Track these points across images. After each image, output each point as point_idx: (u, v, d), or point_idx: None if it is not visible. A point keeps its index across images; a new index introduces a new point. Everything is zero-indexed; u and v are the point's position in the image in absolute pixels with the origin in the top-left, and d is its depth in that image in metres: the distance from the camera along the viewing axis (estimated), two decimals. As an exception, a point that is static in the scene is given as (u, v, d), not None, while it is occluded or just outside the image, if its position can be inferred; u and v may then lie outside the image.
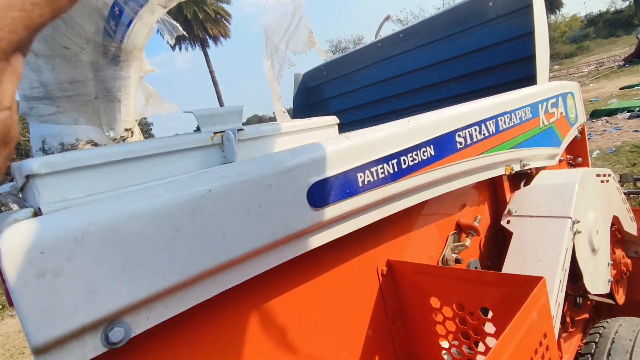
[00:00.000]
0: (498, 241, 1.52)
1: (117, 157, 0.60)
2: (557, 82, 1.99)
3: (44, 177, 0.55)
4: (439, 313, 0.97)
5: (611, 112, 10.32)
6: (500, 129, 1.34)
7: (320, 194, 0.73)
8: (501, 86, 2.36)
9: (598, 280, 1.46)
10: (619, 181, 1.96)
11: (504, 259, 1.48)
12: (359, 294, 0.99)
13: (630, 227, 1.88)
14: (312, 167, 0.72)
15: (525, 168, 1.53)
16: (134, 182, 0.63)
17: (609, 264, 1.58)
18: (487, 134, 1.26)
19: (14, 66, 0.28)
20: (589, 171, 1.56)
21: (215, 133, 0.72)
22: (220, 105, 25.40)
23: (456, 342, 0.99)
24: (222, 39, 23.67)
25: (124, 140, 1.45)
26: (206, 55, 24.64)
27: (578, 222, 1.30)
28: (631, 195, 3.44)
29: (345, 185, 0.78)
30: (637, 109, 9.84)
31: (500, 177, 1.47)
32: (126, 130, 1.47)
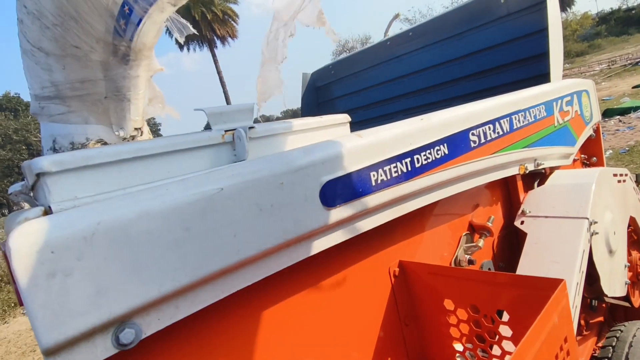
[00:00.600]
0: (511, 242, 1.49)
1: (126, 155, 0.59)
2: (571, 79, 1.95)
3: (54, 176, 0.54)
4: (453, 315, 0.94)
5: (624, 111, 10.15)
6: (515, 127, 1.32)
7: (333, 193, 0.71)
8: (513, 84, 2.32)
9: (615, 282, 1.43)
10: (635, 181, 1.91)
11: (517, 260, 1.45)
12: (370, 294, 0.97)
13: (647, 228, 1.83)
14: (324, 165, 0.71)
15: (540, 167, 1.50)
16: (144, 180, 0.62)
17: (625, 266, 1.54)
18: (501, 133, 1.24)
19: None
20: (605, 171, 1.52)
21: (226, 131, 0.71)
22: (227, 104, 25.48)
23: (470, 345, 0.97)
24: (229, 39, 23.76)
25: (133, 139, 1.45)
26: (214, 55, 24.77)
27: (595, 222, 1.27)
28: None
29: (359, 184, 0.77)
30: (651, 107, 9.66)
31: (513, 176, 1.43)
32: (136, 129, 1.47)
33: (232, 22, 24.10)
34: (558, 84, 1.74)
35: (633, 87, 14.41)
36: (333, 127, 0.92)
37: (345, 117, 0.93)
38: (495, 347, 0.89)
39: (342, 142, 0.76)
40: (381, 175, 0.82)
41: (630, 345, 1.34)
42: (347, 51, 27.08)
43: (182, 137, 0.66)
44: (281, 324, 0.79)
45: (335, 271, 0.88)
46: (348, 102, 3.35)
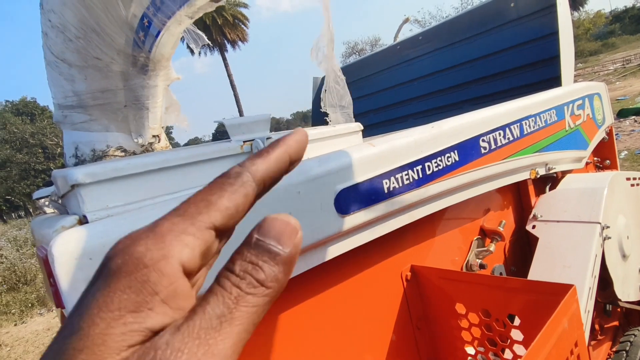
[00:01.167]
0: (523, 246, 1.50)
1: (153, 166, 0.63)
2: (583, 83, 1.95)
3: (87, 187, 0.58)
4: (464, 319, 0.96)
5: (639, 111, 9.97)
6: (525, 132, 1.33)
7: (347, 201, 0.74)
8: (524, 88, 2.32)
9: (629, 287, 1.42)
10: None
11: (529, 264, 1.46)
12: (383, 299, 0.99)
13: (662, 232, 1.82)
14: (339, 174, 0.74)
15: (551, 172, 1.50)
16: (169, 190, 0.65)
17: (640, 270, 1.53)
18: (511, 138, 1.25)
19: None
20: (618, 174, 1.52)
21: (244, 142, 0.74)
22: (239, 108, 25.75)
23: (482, 349, 0.98)
24: (240, 42, 23.98)
25: (151, 145, 1.50)
26: (224, 59, 25.04)
27: (607, 227, 1.27)
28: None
29: (371, 191, 0.79)
30: (668, 107, 9.47)
31: (524, 181, 1.44)
32: (154, 136, 1.52)
33: (243, 25, 24.34)
34: (569, 88, 1.74)
35: (649, 87, 14.13)
36: (346, 135, 0.95)
37: (358, 126, 0.96)
38: (507, 350, 0.90)
39: (355, 152, 0.79)
40: (393, 183, 0.84)
41: (645, 350, 1.34)
42: (357, 53, 27.08)
43: (203, 148, 0.69)
44: (296, 327, 0.82)
45: (348, 276, 0.91)
46: (358, 105, 3.37)
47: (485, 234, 1.34)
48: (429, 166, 0.94)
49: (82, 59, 1.36)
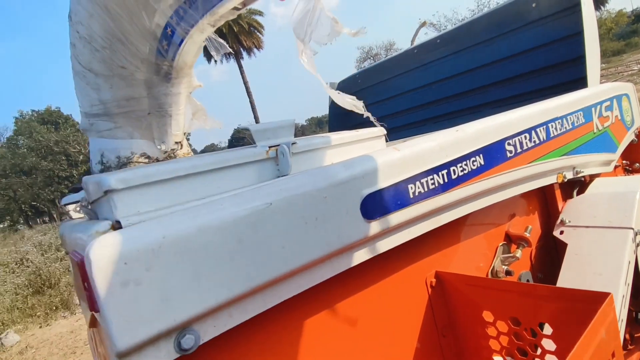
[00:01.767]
0: (549, 253, 1.46)
1: (182, 172, 0.63)
2: (610, 83, 1.90)
3: (119, 192, 0.59)
4: (492, 327, 0.94)
5: (666, 113, 9.60)
6: (552, 135, 1.30)
7: (373, 206, 0.74)
8: (547, 90, 2.27)
9: (663, 295, 1.36)
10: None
11: (556, 271, 1.42)
12: (407, 305, 0.98)
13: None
14: (364, 179, 0.73)
15: (579, 175, 1.46)
16: (197, 195, 0.66)
17: (674, 278, 1.46)
18: (537, 142, 1.22)
19: None
20: (650, 178, 1.46)
21: (269, 147, 0.75)
22: (254, 114, 26.00)
23: (510, 358, 0.96)
24: (255, 49, 24.29)
25: (174, 152, 1.52)
26: (240, 66, 25.40)
27: (640, 233, 1.22)
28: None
29: (397, 196, 0.78)
30: (697, 108, 9.09)
31: (551, 185, 1.41)
32: (176, 143, 1.55)
33: (258, 33, 24.66)
34: (596, 89, 1.69)
35: (676, 87, 13.61)
36: (369, 140, 0.94)
37: (380, 130, 0.95)
38: (537, 360, 0.88)
39: (380, 156, 0.78)
40: (418, 188, 0.83)
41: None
42: (372, 58, 27.05)
43: (230, 154, 0.70)
44: (321, 334, 0.82)
45: (373, 282, 0.90)
46: (376, 110, 3.35)
47: (511, 240, 1.31)
48: (454, 170, 0.92)
49: (108, 68, 1.39)
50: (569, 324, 0.77)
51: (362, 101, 1.59)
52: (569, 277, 1.22)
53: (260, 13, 25.57)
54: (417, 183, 0.83)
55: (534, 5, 2.34)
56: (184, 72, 1.40)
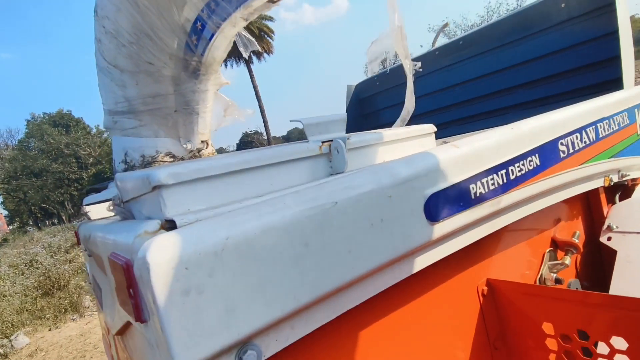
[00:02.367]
0: (594, 259, 1.38)
1: (234, 167, 0.58)
2: (648, 85, 1.81)
3: (170, 188, 0.54)
4: (554, 340, 0.86)
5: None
6: (600, 136, 1.22)
7: (436, 207, 0.67)
8: (581, 90, 2.20)
9: None
10: None
11: (602, 279, 1.34)
12: (458, 315, 0.91)
13: None
14: (427, 177, 0.67)
15: (624, 179, 1.39)
16: (250, 192, 0.60)
17: None
18: (588, 142, 1.15)
19: None
20: (701, 182, 1.38)
21: (322, 142, 0.69)
22: (263, 119, 26.04)
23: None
24: (265, 54, 24.41)
25: (199, 151, 1.47)
26: (250, 70, 25.48)
27: (699, 239, 1.14)
28: None
29: (460, 197, 0.72)
30: None
31: (595, 189, 1.33)
32: (202, 142, 1.49)
33: (268, 38, 24.76)
34: (637, 90, 1.61)
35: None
36: (420, 137, 0.88)
37: (431, 127, 0.89)
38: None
39: (441, 153, 0.72)
40: (479, 188, 0.76)
41: None
42: (380, 63, 27.01)
43: (282, 149, 0.64)
44: (371, 345, 0.75)
45: (424, 290, 0.83)
46: (393, 113, 3.30)
47: (557, 246, 1.23)
48: (512, 170, 0.85)
49: (134, 64, 1.35)
50: (648, 340, 0.70)
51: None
52: (622, 286, 1.14)
53: (270, 18, 25.69)
54: (479, 183, 0.76)
55: (562, 5, 2.27)
56: (212, 68, 1.35)
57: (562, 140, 1.04)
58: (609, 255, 1.30)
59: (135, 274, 0.46)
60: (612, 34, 1.96)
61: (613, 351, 0.76)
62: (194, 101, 1.39)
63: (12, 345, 5.19)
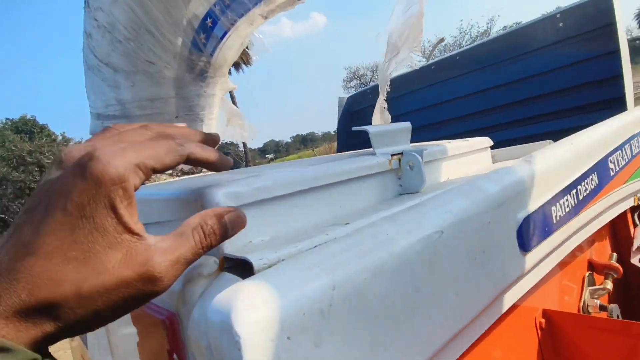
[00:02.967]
0: (624, 282, 1.32)
1: (302, 185, 0.45)
2: (653, 103, 1.81)
3: (228, 213, 0.40)
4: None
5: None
6: (634, 153, 1.17)
7: (527, 233, 0.56)
8: (581, 108, 2.19)
9: None
10: None
11: (633, 303, 1.28)
12: (518, 352, 0.80)
13: None
14: (517, 198, 0.56)
15: (647, 198, 1.34)
16: (319, 217, 0.47)
17: None
18: (627, 159, 1.09)
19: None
20: None
21: (392, 155, 0.57)
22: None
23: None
24: (243, 66, 24.25)
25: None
26: (226, 82, 25.07)
27: None
28: None
29: (545, 221, 0.62)
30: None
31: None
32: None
33: (247, 49, 24.61)
34: (649, 107, 1.60)
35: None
36: (479, 151, 0.78)
37: (487, 141, 0.79)
38: None
39: (521, 169, 0.62)
40: (558, 210, 0.67)
41: None
42: (358, 78, 27.39)
43: (350, 162, 0.52)
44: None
45: (490, 329, 0.72)
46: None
47: (594, 269, 1.15)
48: (579, 190, 0.77)
49: (131, 63, 1.19)
50: None
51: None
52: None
53: (246, 30, 25.48)
54: (557, 205, 0.66)
55: (560, 24, 2.28)
56: (222, 71, 1.22)
57: (611, 158, 0.97)
58: (635, 276, 1.25)
59: (192, 339, 0.33)
60: (614, 53, 1.97)
61: None
62: (198, 106, 1.25)
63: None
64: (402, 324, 0.36)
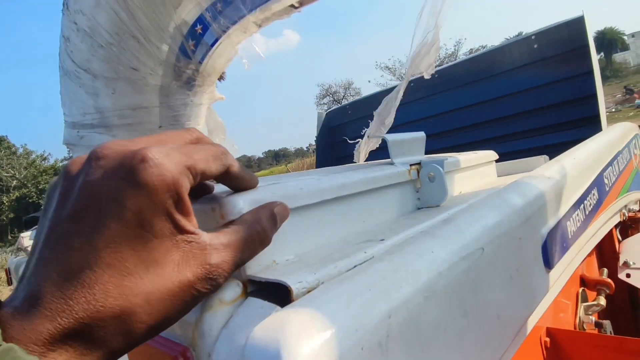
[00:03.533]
0: (611, 297, 1.33)
1: (329, 194, 0.41)
2: (626, 123, 1.89)
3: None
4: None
5: None
6: (620, 169, 1.20)
7: (551, 249, 0.54)
8: (554, 127, 2.27)
9: None
10: None
11: (619, 318, 1.29)
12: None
13: None
14: (540, 212, 0.54)
15: (629, 214, 1.38)
16: (344, 231, 0.42)
17: None
18: (617, 175, 1.11)
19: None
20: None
21: (411, 165, 0.54)
22: (213, 145, 25.30)
23: None
24: (217, 81, 24.11)
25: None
26: (199, 96, 24.74)
27: None
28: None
29: (564, 236, 0.60)
30: None
31: (606, 223, 1.30)
32: (189, 165, 1.26)
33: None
34: (625, 126, 1.67)
35: None
36: (486, 165, 0.76)
37: (493, 155, 0.78)
38: None
39: (538, 182, 0.60)
40: (573, 225, 0.65)
41: None
42: (331, 95, 27.78)
43: (371, 171, 0.48)
44: None
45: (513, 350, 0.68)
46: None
47: (586, 285, 1.15)
48: (586, 205, 0.76)
49: (112, 69, 1.12)
50: None
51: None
52: (658, 328, 1.08)
53: (221, 45, 25.41)
54: (572, 219, 0.65)
55: (535, 46, 2.37)
56: (210, 80, 1.17)
57: (605, 173, 0.98)
58: (622, 291, 1.27)
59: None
60: (588, 74, 2.06)
61: None
62: (184, 116, 1.18)
63: None
64: (454, 352, 0.32)
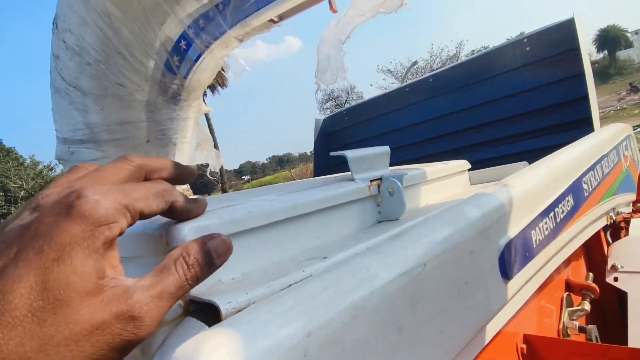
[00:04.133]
0: (598, 301, 1.33)
1: (280, 215, 0.42)
2: (618, 124, 1.89)
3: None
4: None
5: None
6: (605, 172, 1.20)
7: (509, 260, 0.55)
8: (546, 129, 2.27)
9: None
10: None
11: (610, 322, 1.28)
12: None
13: None
14: (499, 223, 0.55)
15: (617, 217, 1.38)
16: (296, 249, 0.44)
17: None
18: (599, 179, 1.12)
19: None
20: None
21: (371, 181, 0.55)
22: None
23: None
24: (219, 88, 24.27)
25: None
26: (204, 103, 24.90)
27: None
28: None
29: (525, 246, 0.61)
30: None
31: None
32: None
33: (222, 71, 24.65)
34: (617, 127, 1.67)
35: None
36: (458, 174, 0.77)
37: (465, 164, 0.79)
38: None
39: (500, 194, 0.61)
40: (538, 234, 0.66)
41: None
42: (333, 99, 27.85)
43: (329, 189, 0.49)
44: None
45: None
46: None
47: (572, 290, 1.16)
48: (557, 212, 0.77)
49: (101, 86, 1.15)
50: None
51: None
52: (641, 331, 1.08)
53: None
54: (537, 228, 0.66)
55: (527, 49, 2.37)
56: (196, 94, 1.19)
57: (584, 178, 0.99)
58: (610, 294, 1.26)
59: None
60: (579, 76, 2.06)
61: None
62: (171, 130, 1.21)
63: None
64: (386, 369, 0.33)
